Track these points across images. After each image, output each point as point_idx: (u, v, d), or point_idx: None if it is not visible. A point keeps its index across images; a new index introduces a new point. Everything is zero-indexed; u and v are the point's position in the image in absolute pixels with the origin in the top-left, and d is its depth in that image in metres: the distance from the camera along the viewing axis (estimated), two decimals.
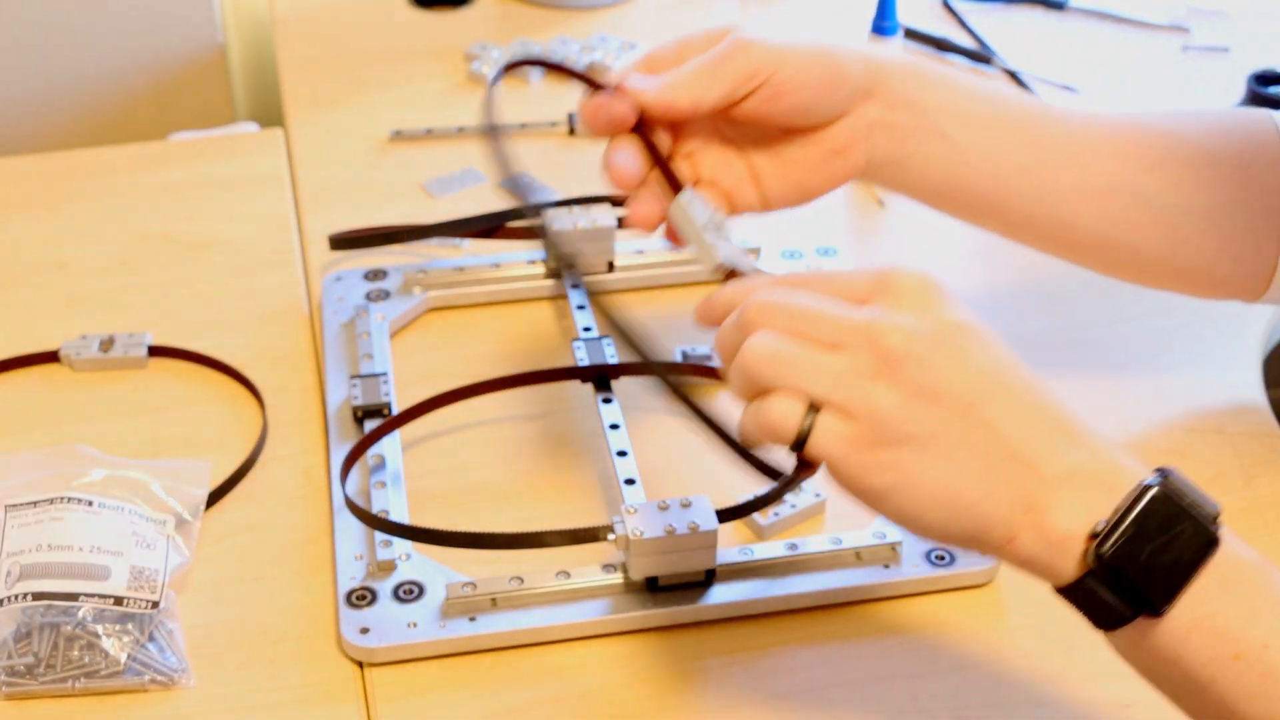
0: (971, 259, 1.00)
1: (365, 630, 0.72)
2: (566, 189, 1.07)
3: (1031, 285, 0.98)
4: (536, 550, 0.75)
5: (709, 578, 0.74)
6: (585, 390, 0.88)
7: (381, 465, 0.81)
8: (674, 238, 0.75)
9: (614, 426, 0.82)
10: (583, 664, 0.72)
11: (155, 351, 0.91)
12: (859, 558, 0.76)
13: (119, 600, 0.71)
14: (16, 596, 0.70)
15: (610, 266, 0.96)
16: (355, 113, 1.17)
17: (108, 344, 0.90)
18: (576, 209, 0.95)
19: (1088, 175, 0.79)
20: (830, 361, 0.58)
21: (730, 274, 0.71)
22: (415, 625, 0.72)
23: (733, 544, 0.77)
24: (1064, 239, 0.82)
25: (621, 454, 0.80)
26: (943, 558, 0.76)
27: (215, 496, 0.81)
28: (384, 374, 0.86)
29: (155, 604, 0.71)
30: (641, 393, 0.88)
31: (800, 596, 0.74)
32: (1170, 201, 0.80)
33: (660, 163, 0.74)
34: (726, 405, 0.63)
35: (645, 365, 0.65)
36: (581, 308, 0.91)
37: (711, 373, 0.87)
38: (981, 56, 1.24)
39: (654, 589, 0.74)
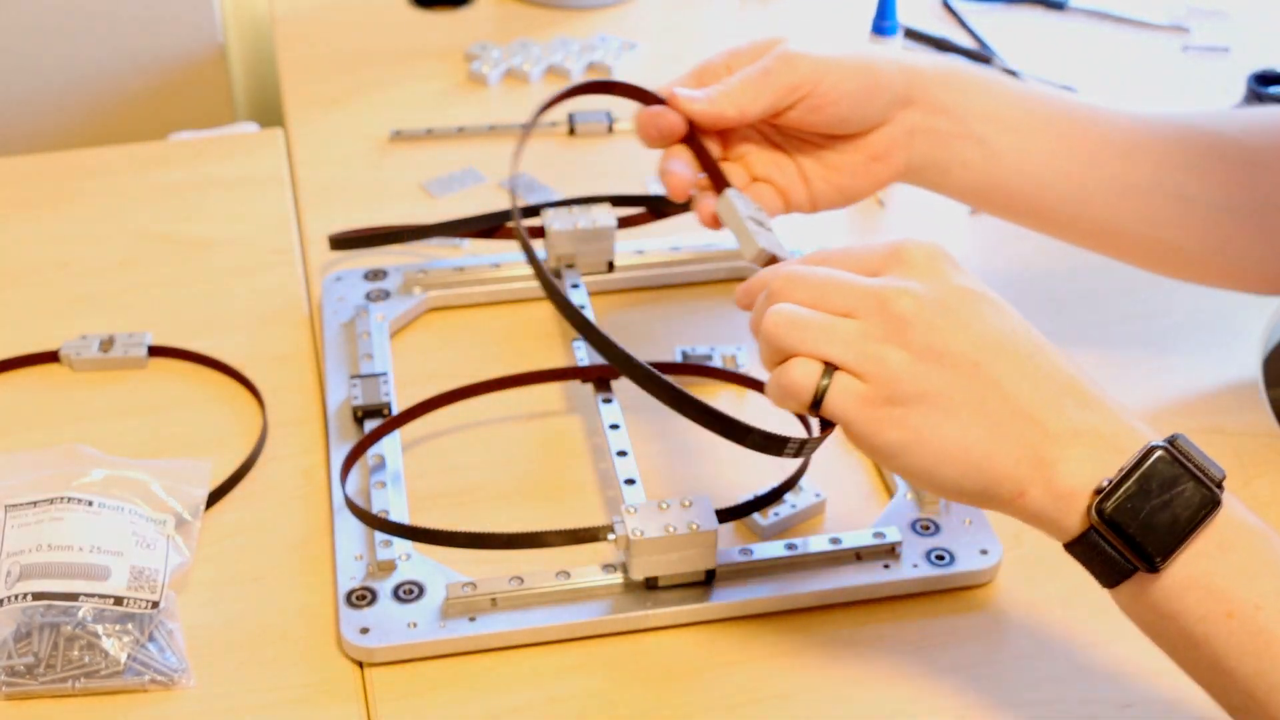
0: (971, 261, 0.99)
1: (365, 630, 0.72)
2: (566, 189, 1.07)
3: (1032, 286, 0.98)
4: (536, 550, 0.75)
5: (709, 578, 0.74)
6: (585, 390, 0.88)
7: (381, 465, 0.81)
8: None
9: (614, 426, 0.82)
10: (583, 664, 0.72)
11: (155, 351, 0.91)
12: (859, 558, 0.76)
13: (119, 600, 0.71)
14: (16, 596, 0.70)
15: (610, 266, 0.96)
16: (355, 113, 1.17)
17: (108, 344, 0.90)
18: (576, 209, 0.95)
19: (1127, 176, 0.81)
20: (844, 327, 0.62)
21: (770, 260, 0.77)
22: (415, 625, 0.72)
23: (733, 544, 0.77)
24: (1104, 238, 0.85)
25: (621, 454, 0.80)
26: (942, 557, 0.76)
27: (215, 496, 0.81)
28: (384, 374, 0.86)
29: (155, 604, 0.71)
30: (641, 393, 0.88)
31: (800, 596, 0.74)
32: (1212, 200, 0.81)
33: (709, 166, 0.81)
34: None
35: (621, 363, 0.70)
36: (582, 307, 0.91)
37: (711, 373, 0.87)
38: (981, 57, 1.24)
39: (654, 589, 0.74)
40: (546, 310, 0.96)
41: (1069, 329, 0.94)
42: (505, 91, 1.20)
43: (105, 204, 1.06)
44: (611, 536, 0.73)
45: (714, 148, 0.82)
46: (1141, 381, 0.89)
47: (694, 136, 0.81)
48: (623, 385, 0.86)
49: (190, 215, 1.05)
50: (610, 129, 1.14)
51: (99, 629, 0.70)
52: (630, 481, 0.78)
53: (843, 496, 0.81)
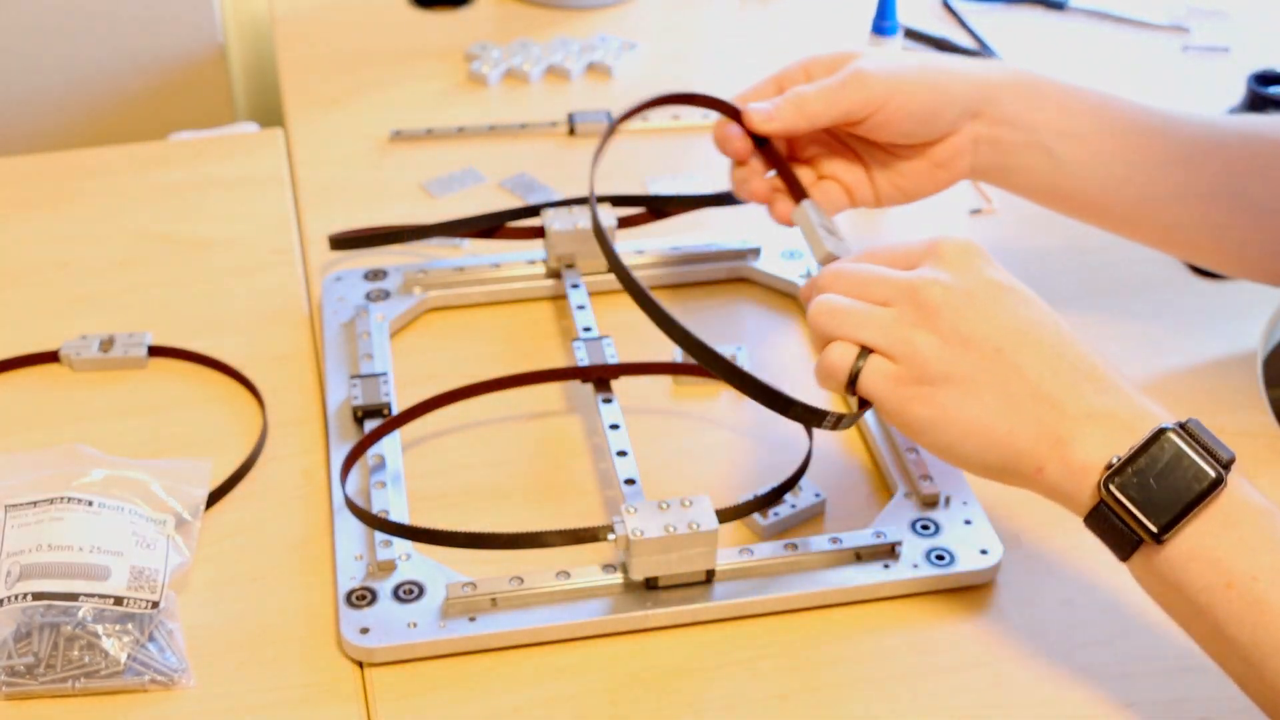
0: None
1: (365, 630, 0.72)
2: (566, 189, 1.07)
3: (1032, 285, 0.97)
4: (536, 550, 0.75)
5: (709, 578, 0.74)
6: (585, 390, 0.88)
7: (381, 465, 0.81)
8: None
9: (614, 426, 0.82)
10: (583, 664, 0.72)
11: (155, 351, 0.91)
12: (859, 558, 0.76)
13: (119, 600, 0.71)
14: (16, 596, 0.70)
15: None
16: (355, 113, 1.17)
17: (108, 344, 0.90)
18: (576, 209, 0.95)
19: (1190, 184, 0.85)
20: (879, 314, 0.69)
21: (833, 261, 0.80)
22: (415, 625, 0.72)
23: (733, 544, 0.77)
24: (1166, 239, 0.89)
25: (621, 454, 0.80)
26: (943, 557, 0.76)
27: (215, 496, 0.81)
28: (384, 374, 0.86)
29: (155, 604, 0.71)
30: (641, 393, 0.88)
31: (800, 596, 0.74)
32: (1276, 205, 0.84)
33: (787, 177, 0.86)
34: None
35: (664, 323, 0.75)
36: (581, 308, 0.91)
37: (711, 372, 0.86)
38: (981, 57, 1.24)
39: (654, 589, 0.74)
40: (546, 310, 0.96)
41: (1070, 329, 0.94)
42: (505, 91, 1.20)
43: (105, 204, 1.06)
44: (611, 536, 0.73)
45: (782, 146, 0.86)
46: (1142, 381, 0.89)
47: (771, 149, 0.86)
48: (623, 385, 0.86)
49: (190, 215, 1.05)
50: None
51: (99, 629, 0.70)
52: (630, 481, 0.78)
53: (843, 496, 0.81)
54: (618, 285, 0.96)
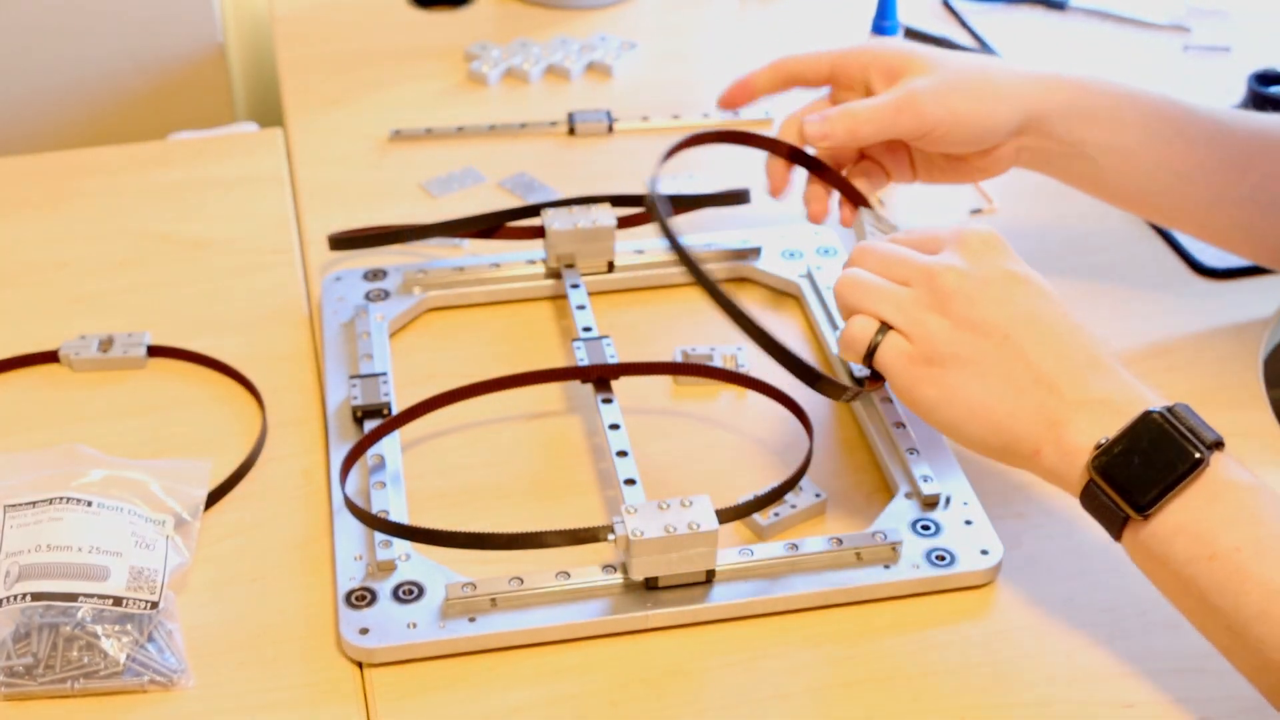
0: None
1: (365, 631, 0.72)
2: (566, 189, 1.07)
3: None
4: (536, 550, 0.74)
5: (709, 578, 0.74)
6: (585, 390, 0.88)
7: (381, 465, 0.81)
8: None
9: (614, 426, 0.82)
10: (583, 664, 0.72)
11: (154, 351, 0.91)
12: (859, 558, 0.76)
13: (118, 601, 0.71)
14: (15, 597, 0.70)
15: (610, 266, 0.96)
16: (355, 112, 1.17)
17: (107, 344, 0.90)
18: (576, 209, 0.95)
19: (1229, 189, 0.89)
20: (899, 293, 0.73)
21: None
22: (415, 626, 0.72)
23: (733, 544, 0.77)
24: (1204, 233, 0.92)
25: (621, 454, 0.80)
26: (943, 558, 0.76)
27: (214, 497, 0.80)
28: (383, 374, 0.86)
29: (154, 604, 0.71)
30: (641, 393, 0.88)
31: (800, 597, 0.74)
32: None
33: (848, 191, 0.92)
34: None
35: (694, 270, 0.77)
36: (581, 308, 0.91)
37: (711, 373, 0.86)
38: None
39: (654, 589, 0.74)
40: (546, 310, 0.96)
41: (1079, 320, 0.94)
42: (505, 91, 1.20)
43: (105, 204, 1.06)
44: (611, 537, 0.73)
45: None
46: (1142, 380, 0.89)
47: (825, 169, 0.92)
48: (623, 385, 0.86)
49: (190, 215, 1.05)
50: (610, 129, 1.14)
51: (98, 629, 0.70)
52: (630, 481, 0.78)
53: (843, 496, 0.81)
54: (618, 285, 0.97)
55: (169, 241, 1.02)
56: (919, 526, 0.77)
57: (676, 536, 0.72)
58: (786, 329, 0.94)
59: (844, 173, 0.93)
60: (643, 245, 0.97)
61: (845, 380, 0.84)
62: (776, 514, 0.79)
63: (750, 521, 0.79)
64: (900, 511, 0.78)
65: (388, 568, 0.75)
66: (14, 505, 0.74)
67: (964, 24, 1.30)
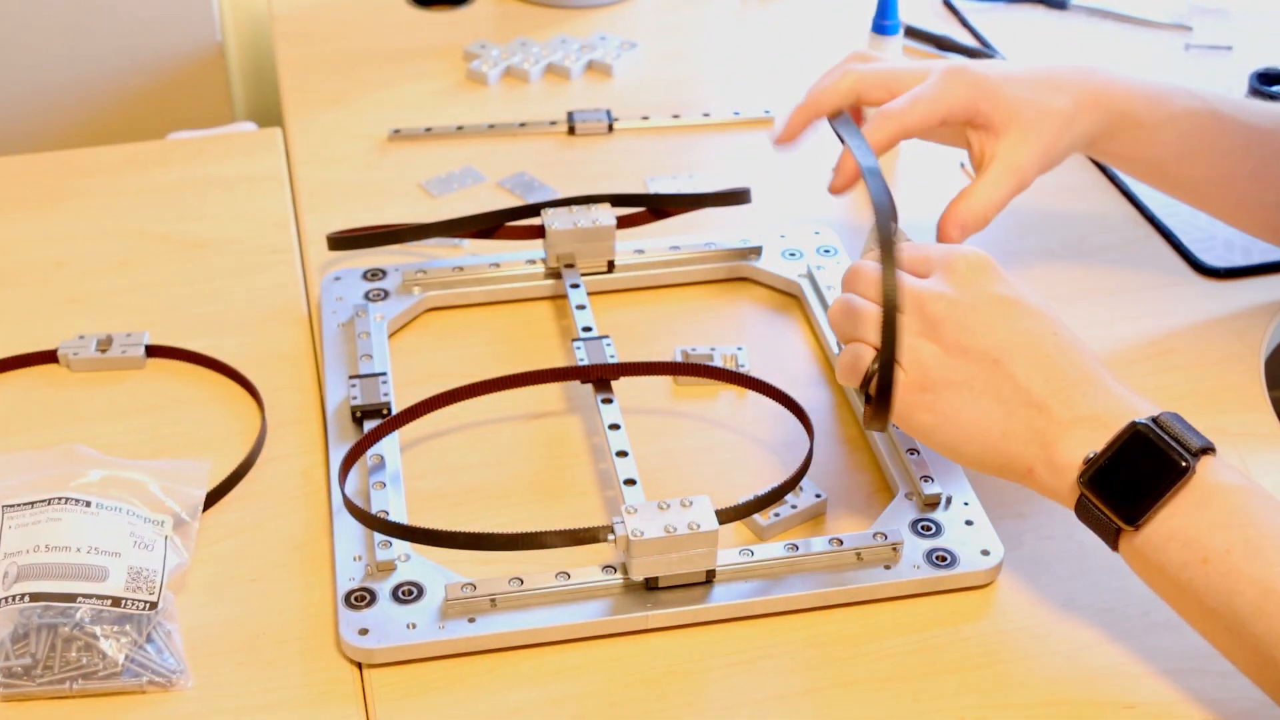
0: None
1: (364, 631, 0.72)
2: (566, 189, 1.07)
3: (1034, 287, 0.97)
4: (536, 551, 0.74)
5: (709, 578, 0.74)
6: (585, 390, 0.88)
7: (381, 465, 0.81)
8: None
9: (614, 426, 0.81)
10: (583, 664, 0.72)
11: (153, 351, 0.91)
12: (859, 558, 0.76)
13: (117, 601, 0.71)
14: (14, 597, 0.70)
15: (610, 266, 0.96)
16: (354, 112, 1.17)
17: (105, 344, 0.90)
18: (576, 208, 0.94)
19: (1259, 195, 0.92)
20: None
21: None
22: (414, 626, 0.72)
23: (733, 545, 0.76)
24: (1237, 226, 0.95)
25: (621, 454, 0.80)
26: (943, 558, 0.76)
27: (214, 497, 0.80)
28: (383, 374, 0.86)
29: (153, 605, 0.71)
30: (641, 393, 0.88)
31: (800, 597, 0.74)
32: None
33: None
34: None
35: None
36: (581, 307, 0.91)
37: (712, 373, 0.86)
38: (983, 56, 1.23)
39: (654, 589, 0.74)
40: (546, 310, 0.96)
41: (1071, 333, 0.93)
42: (505, 91, 1.20)
43: (103, 203, 1.06)
44: (611, 537, 0.73)
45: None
46: (1144, 382, 0.89)
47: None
48: (623, 385, 0.86)
49: (188, 215, 1.04)
50: (610, 128, 1.14)
51: (97, 630, 0.70)
52: (630, 481, 0.78)
53: (844, 497, 0.81)
54: (617, 285, 0.96)
55: (168, 241, 1.02)
56: (919, 527, 0.77)
57: (676, 537, 0.72)
58: (786, 329, 0.94)
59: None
60: (643, 245, 0.97)
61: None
62: (777, 514, 0.79)
63: (750, 522, 0.79)
64: (901, 512, 0.78)
65: (387, 568, 0.75)
66: (13, 505, 0.74)
67: (965, 23, 1.30)
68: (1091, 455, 0.68)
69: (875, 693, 0.71)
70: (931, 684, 0.71)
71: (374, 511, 0.77)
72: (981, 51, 1.24)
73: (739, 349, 0.91)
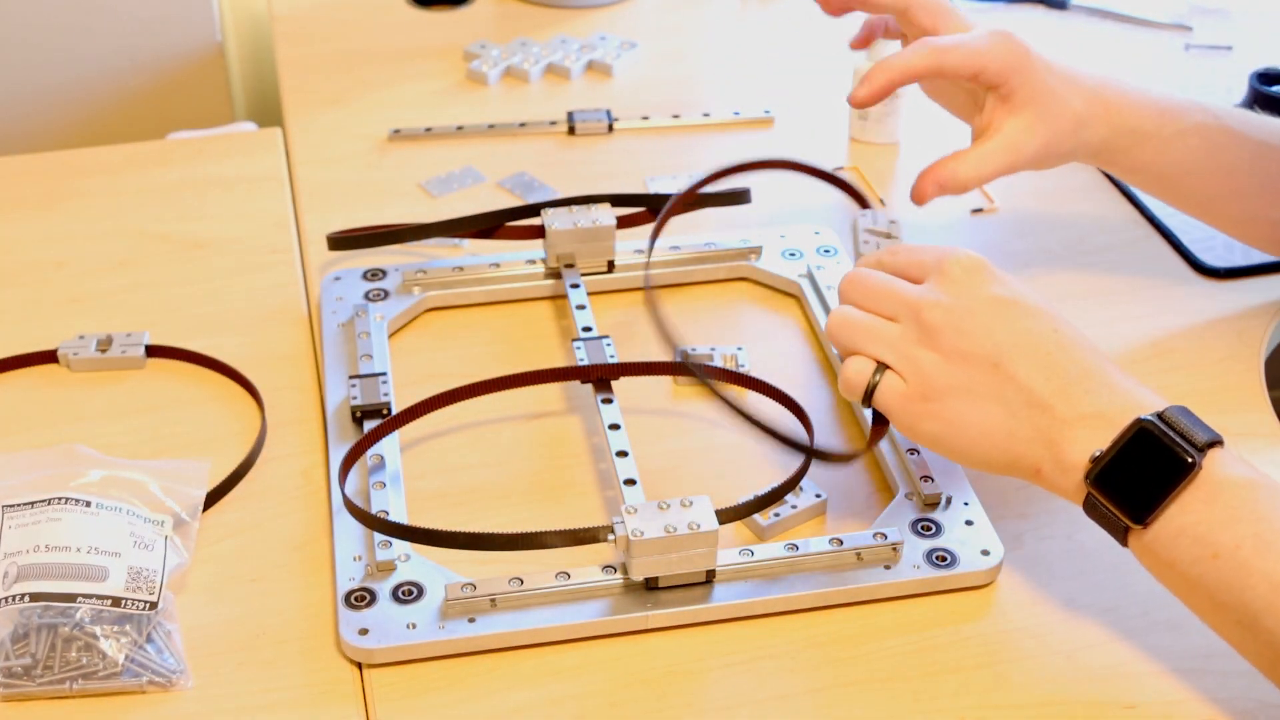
0: None
1: (364, 631, 0.72)
2: (566, 189, 1.07)
3: (1034, 287, 0.97)
4: (536, 551, 0.74)
5: (709, 578, 0.74)
6: (585, 390, 0.88)
7: (381, 465, 0.81)
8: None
9: (614, 426, 0.81)
10: (583, 665, 0.72)
11: (153, 351, 0.91)
12: (859, 558, 0.76)
13: (117, 601, 0.71)
14: (14, 597, 0.70)
15: (610, 266, 0.96)
16: (354, 112, 1.16)
17: (105, 344, 0.90)
18: (576, 208, 0.94)
19: (1263, 210, 0.92)
20: (888, 331, 0.73)
21: None
22: (414, 626, 0.72)
23: (733, 545, 0.76)
24: (1241, 239, 0.95)
25: (621, 454, 0.80)
26: (944, 558, 0.76)
27: (214, 497, 0.80)
28: (383, 374, 0.86)
29: (153, 605, 0.71)
30: (641, 393, 0.88)
31: (800, 597, 0.74)
32: None
33: (848, 189, 0.93)
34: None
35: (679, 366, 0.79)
36: (581, 308, 0.91)
37: (711, 372, 0.86)
38: None
39: (654, 589, 0.74)
40: (546, 310, 0.95)
41: (1071, 329, 0.93)
42: (505, 90, 1.20)
43: (103, 203, 1.06)
44: (611, 537, 0.73)
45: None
46: (1144, 381, 0.89)
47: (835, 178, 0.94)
48: (623, 385, 0.86)
49: (188, 215, 1.04)
50: (610, 128, 1.14)
51: (97, 630, 0.70)
52: (630, 481, 0.78)
53: (844, 497, 0.81)
54: (617, 285, 0.96)
55: (168, 241, 1.02)
56: (919, 527, 0.77)
57: (676, 537, 0.72)
58: (786, 329, 0.94)
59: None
60: (643, 245, 0.97)
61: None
62: (777, 514, 0.79)
63: (750, 522, 0.79)
64: (901, 512, 0.78)
65: (387, 568, 0.75)
66: (13, 505, 0.74)
67: None
68: (1097, 453, 0.68)
69: (875, 693, 0.71)
70: (931, 684, 0.71)
71: (374, 511, 0.77)
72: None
73: (739, 349, 0.91)
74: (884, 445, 0.83)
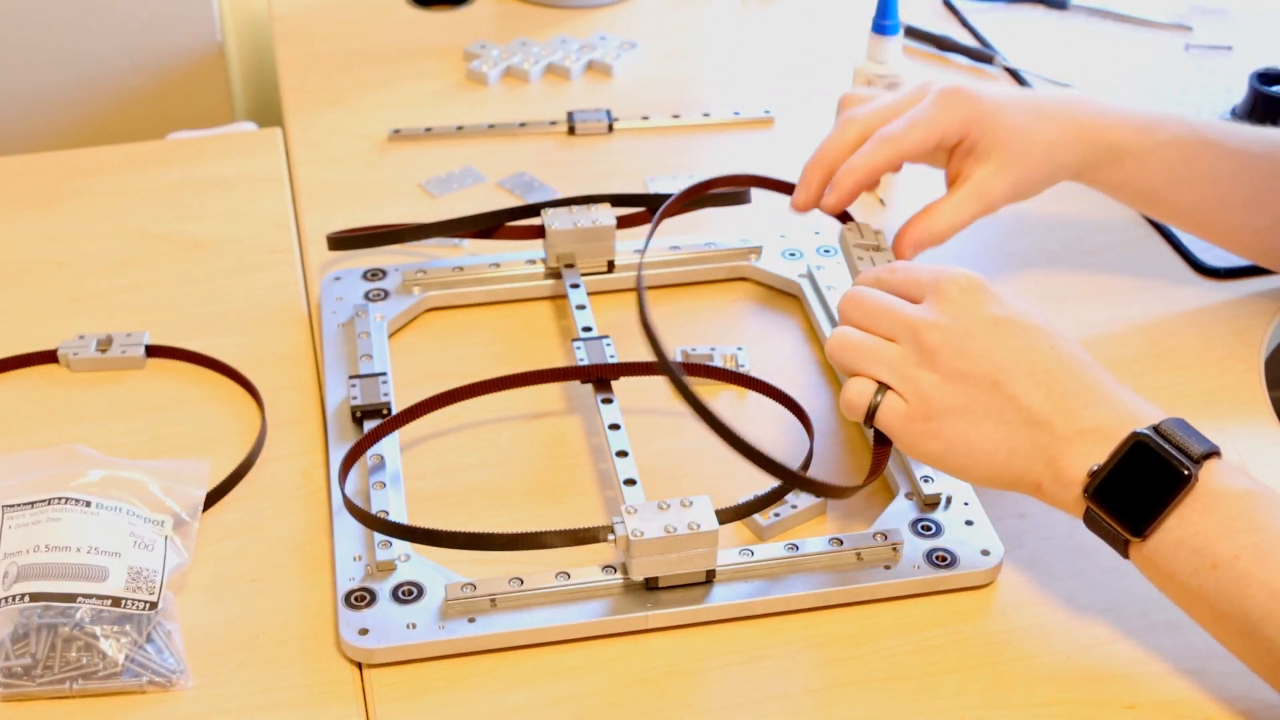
0: (974, 262, 0.99)
1: (364, 631, 0.72)
2: (566, 189, 1.07)
3: (1034, 287, 0.98)
4: (536, 551, 0.74)
5: (709, 578, 0.74)
6: (585, 390, 0.88)
7: (381, 465, 0.81)
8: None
9: (614, 426, 0.81)
10: (583, 665, 0.72)
11: (153, 351, 0.91)
12: (859, 558, 0.76)
13: (117, 601, 0.71)
14: (14, 597, 0.70)
15: (610, 266, 0.96)
16: (354, 112, 1.16)
17: (105, 344, 0.90)
18: (576, 208, 0.94)
19: (1250, 220, 0.92)
20: (888, 352, 0.74)
21: None
22: (414, 626, 0.72)
23: (733, 545, 0.76)
24: (1232, 250, 0.95)
25: (621, 454, 0.80)
26: (944, 559, 0.76)
27: (214, 497, 0.80)
28: (383, 374, 0.86)
29: (153, 605, 0.71)
30: (641, 393, 0.88)
31: (800, 597, 0.74)
32: None
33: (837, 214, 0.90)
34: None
35: (662, 368, 0.77)
36: (581, 308, 0.91)
37: (712, 373, 0.86)
38: (983, 55, 1.23)
39: (654, 589, 0.74)
40: (546, 310, 0.95)
41: (1072, 330, 0.93)
42: (505, 90, 1.20)
43: (103, 204, 1.06)
44: (611, 537, 0.73)
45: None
46: (1144, 383, 0.89)
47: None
48: (623, 385, 0.86)
49: (188, 215, 1.04)
50: (610, 128, 1.14)
51: (97, 630, 0.70)
52: (630, 482, 0.78)
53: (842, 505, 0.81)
54: (617, 285, 0.96)
55: (168, 241, 1.02)
56: (919, 527, 0.77)
57: (676, 537, 0.72)
58: (786, 329, 0.94)
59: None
60: (643, 245, 0.97)
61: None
62: (777, 514, 0.79)
63: (750, 522, 0.79)
64: (901, 512, 0.78)
65: (387, 568, 0.75)
66: (13, 505, 0.74)
67: (964, 23, 1.30)
68: (1095, 468, 0.69)
69: (875, 693, 0.71)
70: (931, 684, 0.71)
71: (374, 511, 0.77)
72: (982, 52, 1.24)
73: (739, 349, 0.91)
74: None
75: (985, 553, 0.76)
